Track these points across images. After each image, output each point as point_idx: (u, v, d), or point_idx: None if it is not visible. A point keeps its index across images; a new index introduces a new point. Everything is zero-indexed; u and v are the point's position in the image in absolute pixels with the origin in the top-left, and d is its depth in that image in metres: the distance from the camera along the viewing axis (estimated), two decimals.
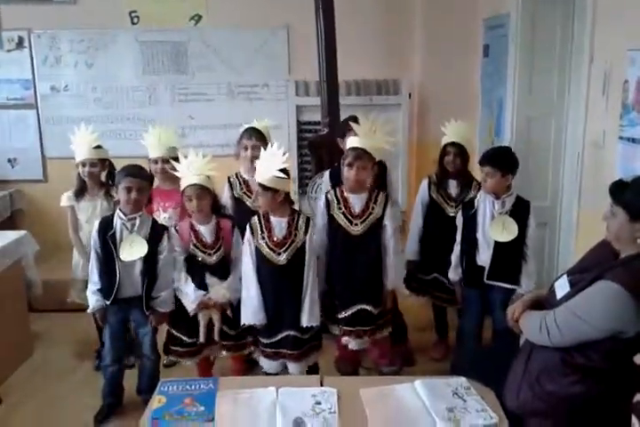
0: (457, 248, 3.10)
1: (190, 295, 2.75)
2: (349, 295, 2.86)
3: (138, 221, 2.76)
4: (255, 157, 3.06)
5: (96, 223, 2.83)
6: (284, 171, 2.62)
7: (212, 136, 4.85)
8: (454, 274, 3.13)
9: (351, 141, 2.83)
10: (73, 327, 3.83)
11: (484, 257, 2.98)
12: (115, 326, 2.86)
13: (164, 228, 2.87)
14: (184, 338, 2.85)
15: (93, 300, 2.80)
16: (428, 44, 4.62)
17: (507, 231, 2.89)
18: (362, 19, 4.64)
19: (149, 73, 4.83)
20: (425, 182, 3.38)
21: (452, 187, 3.29)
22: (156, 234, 2.80)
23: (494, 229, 2.91)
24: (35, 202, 4.95)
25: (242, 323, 2.73)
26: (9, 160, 4.96)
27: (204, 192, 2.75)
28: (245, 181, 3.21)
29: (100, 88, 4.84)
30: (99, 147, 3.29)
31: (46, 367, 3.46)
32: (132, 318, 2.87)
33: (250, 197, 3.16)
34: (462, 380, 2.19)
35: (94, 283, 2.81)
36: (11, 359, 3.30)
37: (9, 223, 4.67)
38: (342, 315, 2.87)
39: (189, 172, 2.73)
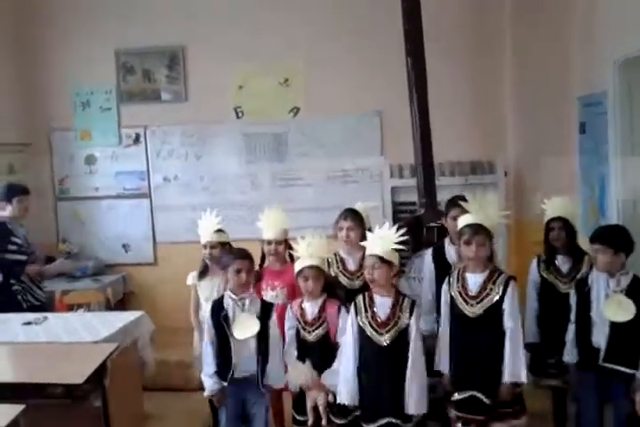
0: (571, 328, 2.98)
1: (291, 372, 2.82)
2: (464, 379, 2.77)
3: (248, 300, 2.87)
4: (350, 238, 3.19)
5: (208, 307, 2.95)
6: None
7: (308, 219, 5.01)
8: (570, 356, 2.99)
9: (464, 219, 2.84)
10: (183, 407, 3.91)
11: (599, 338, 2.83)
12: (232, 407, 2.88)
13: (271, 304, 2.99)
14: (300, 418, 2.88)
15: (210, 382, 2.84)
16: (521, 123, 4.68)
17: (623, 311, 2.76)
18: (453, 100, 4.80)
19: (252, 162, 5.17)
20: (534, 262, 3.31)
21: (562, 263, 3.21)
22: (265, 311, 2.89)
23: (609, 308, 2.79)
24: (145, 284, 5.25)
25: (337, 401, 2.71)
26: (123, 245, 5.33)
27: (320, 274, 2.85)
28: (342, 260, 3.28)
29: (207, 177, 5.21)
30: (220, 231, 3.51)
31: None
32: (247, 397, 2.89)
33: (347, 277, 3.22)
34: None
35: (210, 365, 2.86)
36: None
37: (121, 304, 4.95)
38: (454, 397, 2.78)
39: (307, 253, 2.84)
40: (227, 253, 3.07)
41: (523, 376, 2.73)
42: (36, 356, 3.05)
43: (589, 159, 3.99)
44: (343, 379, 2.71)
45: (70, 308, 4.32)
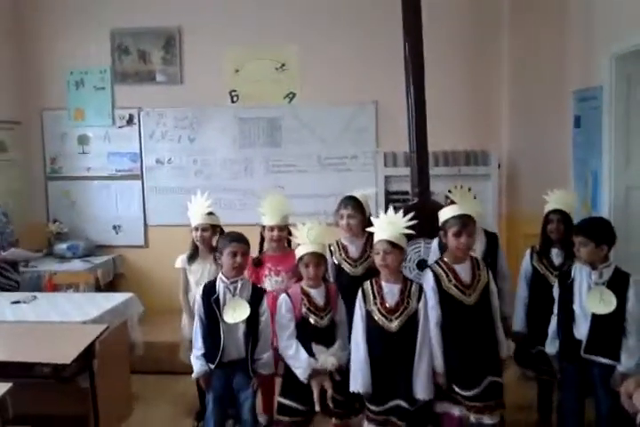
0: (554, 320, 3.02)
1: (303, 363, 2.77)
2: (475, 370, 2.75)
3: (239, 285, 2.87)
4: (350, 226, 3.20)
5: (200, 288, 2.95)
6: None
7: (302, 205, 5.01)
8: (551, 347, 3.04)
9: (450, 210, 2.86)
10: (170, 390, 3.93)
11: (581, 330, 2.88)
12: (219, 390, 2.89)
13: (263, 290, 3.00)
14: (298, 406, 2.83)
15: (198, 365, 2.85)
16: (516, 115, 4.69)
17: (604, 303, 2.79)
18: (449, 91, 4.78)
19: (246, 146, 5.13)
20: (527, 253, 3.35)
21: (555, 256, 3.25)
22: (256, 297, 2.90)
23: (591, 300, 2.83)
24: (136, 266, 5.24)
25: (351, 390, 2.72)
26: (114, 227, 5.30)
27: (322, 260, 2.85)
28: (345, 247, 3.28)
29: (200, 161, 5.18)
30: (211, 213, 3.50)
31: None
32: (234, 381, 2.89)
33: (349, 264, 3.23)
34: None
35: (198, 348, 2.87)
36: (111, 419, 3.38)
37: (110, 286, 4.95)
38: (471, 392, 2.73)
39: (307, 239, 2.84)
40: (222, 236, 3.05)
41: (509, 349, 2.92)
42: (24, 335, 3.05)
43: (583, 153, 4.02)
44: (356, 367, 2.72)
45: (59, 288, 4.32)
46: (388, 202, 4.87)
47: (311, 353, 2.80)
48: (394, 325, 2.68)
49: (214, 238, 3.45)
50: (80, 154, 5.29)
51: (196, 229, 3.45)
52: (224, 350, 2.82)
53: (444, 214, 2.88)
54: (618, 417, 2.13)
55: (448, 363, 2.76)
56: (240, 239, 2.92)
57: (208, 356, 2.85)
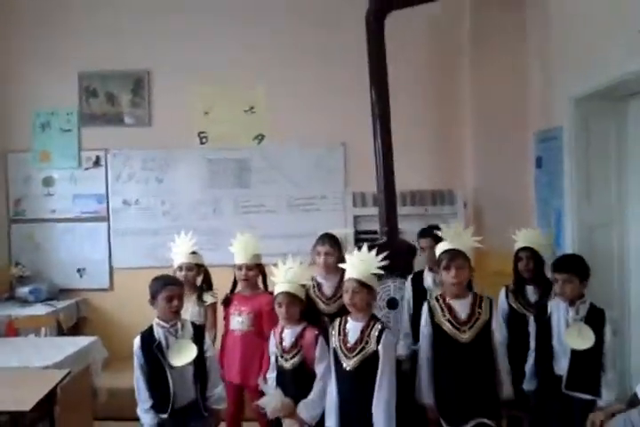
0: (531, 357, 3.03)
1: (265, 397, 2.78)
2: (464, 408, 2.72)
3: (180, 326, 2.83)
4: (327, 263, 3.20)
5: (137, 340, 2.85)
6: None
7: (272, 246, 4.98)
8: (529, 384, 3.03)
9: (441, 246, 2.88)
10: None
11: (561, 365, 2.88)
12: None
13: (202, 326, 3.01)
14: None
15: (148, 419, 2.75)
16: (480, 155, 4.80)
17: (582, 339, 2.82)
18: (415, 133, 4.87)
19: (214, 187, 5.13)
20: (502, 292, 3.36)
21: (531, 293, 3.28)
22: (198, 334, 2.86)
23: (570, 336, 2.85)
24: (100, 310, 5.11)
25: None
26: (78, 270, 5.18)
27: (294, 300, 2.83)
28: (319, 285, 3.30)
29: (168, 202, 5.14)
30: (195, 253, 3.51)
31: None
32: (190, 425, 2.80)
33: (322, 301, 3.24)
34: None
35: (144, 401, 2.77)
36: None
37: (74, 330, 4.79)
38: None
39: (284, 278, 2.83)
40: (155, 280, 2.95)
41: (512, 392, 2.81)
42: None
43: (546, 192, 4.12)
44: (330, 405, 2.69)
45: (20, 333, 4.17)
46: (357, 241, 4.88)
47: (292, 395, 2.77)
48: (350, 363, 2.65)
49: (198, 278, 3.48)
50: (45, 196, 5.22)
51: (180, 268, 3.44)
52: (175, 397, 2.73)
53: (437, 252, 2.91)
54: None
55: (439, 398, 2.75)
56: (174, 282, 2.90)
57: (157, 407, 2.75)
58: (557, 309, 2.94)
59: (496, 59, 4.61)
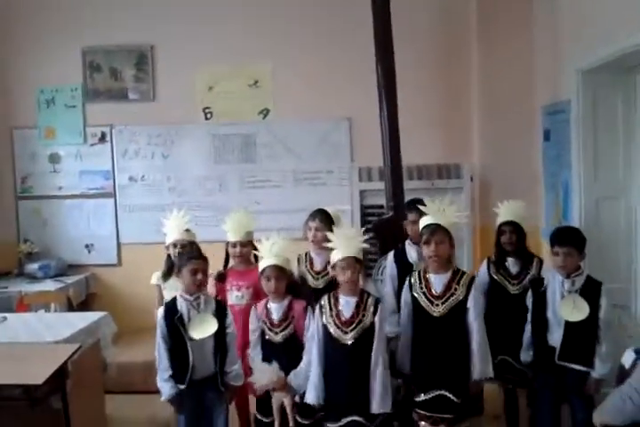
0: (528, 328, 3.05)
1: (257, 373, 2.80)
2: (430, 378, 2.77)
3: (202, 300, 2.85)
4: (317, 238, 3.22)
5: (161, 310, 2.88)
6: None
7: (277, 220, 5.00)
8: (526, 355, 3.06)
9: (423, 221, 2.89)
10: (145, 410, 3.84)
11: (555, 337, 2.91)
12: (192, 410, 2.83)
13: (225, 303, 3.02)
14: (267, 420, 2.86)
15: (167, 387, 2.77)
16: (487, 129, 4.77)
17: (577, 311, 2.83)
18: (421, 106, 4.85)
19: (220, 163, 5.12)
20: (484, 263, 3.40)
21: (512, 265, 3.30)
22: (220, 310, 2.88)
23: (564, 308, 2.86)
24: (109, 285, 5.16)
25: (305, 400, 2.71)
26: (86, 246, 5.22)
27: (282, 273, 2.85)
28: (311, 259, 3.33)
29: (174, 178, 5.15)
30: (188, 230, 3.50)
31: None
32: (206, 398, 2.85)
33: (312, 275, 3.27)
34: None
35: (164, 370, 2.80)
36: None
37: (83, 306, 4.85)
38: (420, 398, 2.78)
39: (270, 253, 2.84)
40: (180, 254, 3.00)
41: (490, 372, 2.79)
42: None
43: (553, 166, 4.09)
44: (309, 379, 2.71)
45: (31, 309, 4.22)
46: (363, 216, 4.91)
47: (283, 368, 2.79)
48: (348, 337, 2.66)
49: None
50: (51, 173, 5.23)
51: (174, 245, 3.42)
52: (194, 369, 2.77)
53: (420, 226, 2.91)
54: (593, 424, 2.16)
55: (413, 366, 2.82)
56: (199, 256, 2.90)
57: (176, 376, 2.78)
58: (553, 281, 2.95)
59: (503, 33, 4.53)
